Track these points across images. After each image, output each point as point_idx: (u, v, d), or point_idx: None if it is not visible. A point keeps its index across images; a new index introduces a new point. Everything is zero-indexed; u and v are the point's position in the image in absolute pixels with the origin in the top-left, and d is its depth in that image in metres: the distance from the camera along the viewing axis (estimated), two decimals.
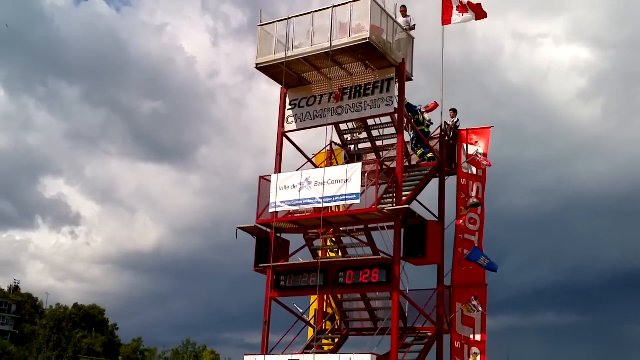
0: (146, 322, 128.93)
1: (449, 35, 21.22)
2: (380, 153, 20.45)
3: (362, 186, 18.14)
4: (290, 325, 20.78)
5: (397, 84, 19.20)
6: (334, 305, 21.52)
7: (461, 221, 19.95)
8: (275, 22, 19.96)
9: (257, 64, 19.97)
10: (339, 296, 21.04)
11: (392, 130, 19.78)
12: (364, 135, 20.79)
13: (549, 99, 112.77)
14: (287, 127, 20.54)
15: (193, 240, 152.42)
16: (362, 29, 18.24)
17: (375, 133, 20.57)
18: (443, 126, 20.82)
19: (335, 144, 21.88)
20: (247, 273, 20.33)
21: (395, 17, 19.64)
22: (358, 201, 18.14)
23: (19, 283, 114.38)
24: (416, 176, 20.57)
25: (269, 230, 19.84)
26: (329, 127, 20.31)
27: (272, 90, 20.71)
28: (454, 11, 20.77)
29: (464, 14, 20.67)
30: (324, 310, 21.90)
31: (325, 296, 21.26)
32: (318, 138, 21.20)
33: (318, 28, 18.97)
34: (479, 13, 20.61)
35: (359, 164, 18.54)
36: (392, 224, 18.49)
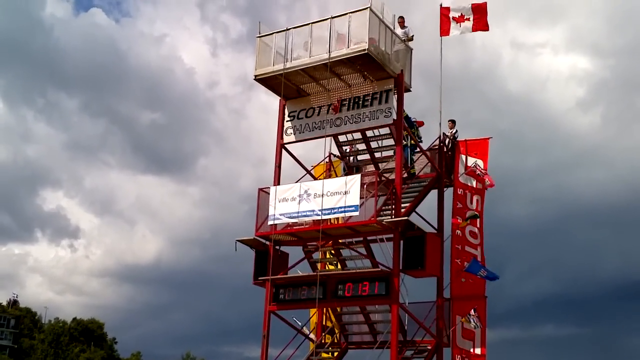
0: (145, 334, 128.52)
1: (448, 44, 21.26)
2: (379, 164, 20.38)
3: (361, 198, 18.06)
4: (289, 339, 20.66)
5: (396, 95, 19.15)
6: (333, 318, 21.39)
7: (458, 232, 19.84)
8: (273, 33, 19.93)
9: (255, 76, 19.94)
10: (338, 309, 20.90)
11: (391, 141, 19.70)
12: (363, 146, 20.72)
13: (548, 108, 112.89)
14: (286, 139, 20.48)
15: (192, 251, 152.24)
16: (360, 40, 18.20)
17: (373, 144, 20.50)
18: (441, 137, 20.76)
19: (334, 155, 21.82)
20: (247, 284, 20.27)
21: (394, 28, 19.62)
22: (357, 213, 18.05)
23: (17, 297, 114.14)
24: (415, 188, 20.50)
25: (268, 242, 19.73)
26: (328, 138, 20.24)
27: (272, 100, 20.73)
28: (452, 22, 20.80)
29: (461, 23, 20.65)
30: (324, 323, 21.76)
31: (325, 309, 21.11)
32: (317, 149, 21.17)
33: (316, 39, 18.95)
34: (480, 22, 20.58)
35: (358, 176, 18.47)
36: (391, 236, 18.39)
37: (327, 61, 18.53)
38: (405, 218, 18.16)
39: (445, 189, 20.61)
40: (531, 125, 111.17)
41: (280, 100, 20.67)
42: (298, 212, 18.82)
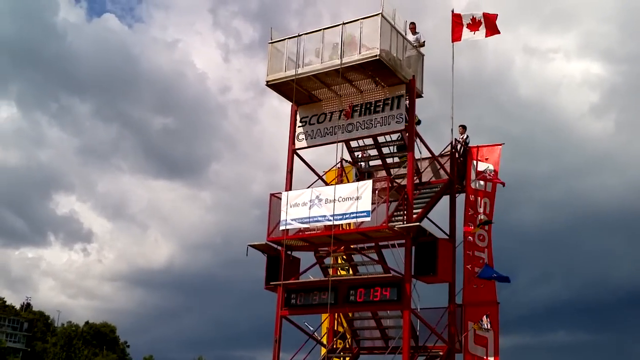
0: (157, 338, 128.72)
1: (460, 50, 21.23)
2: (391, 170, 20.39)
3: (372, 204, 18.09)
4: (301, 344, 20.68)
5: (407, 101, 19.16)
6: (344, 323, 21.39)
7: (470, 238, 19.82)
8: (285, 39, 20.00)
9: (267, 81, 20.01)
10: (350, 314, 20.91)
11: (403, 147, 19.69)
12: (375, 152, 20.74)
13: (560, 114, 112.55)
14: (297, 145, 20.53)
15: (204, 256, 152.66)
16: (372, 46, 18.23)
17: (385, 150, 20.51)
18: (453, 143, 20.75)
19: (346, 161, 21.84)
20: (258, 289, 20.32)
21: (405, 34, 19.64)
22: (369, 219, 18.06)
23: (30, 300, 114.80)
24: (427, 194, 20.50)
25: (279, 248, 19.78)
26: (340, 144, 20.27)
27: (284, 105, 20.80)
28: (464, 29, 20.80)
29: (475, 31, 20.66)
30: (335, 328, 21.76)
31: (336, 314, 21.12)
32: (328, 155, 21.21)
33: (328, 45, 19.01)
34: (491, 29, 20.59)
35: (370, 182, 18.49)
36: (403, 241, 18.38)
37: (339, 67, 18.57)
38: (417, 224, 18.16)
39: (457, 194, 20.58)
40: (543, 131, 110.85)
41: (292, 105, 20.74)
42: (310, 218, 18.86)
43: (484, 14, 20.70)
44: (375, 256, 19.64)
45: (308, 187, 19.72)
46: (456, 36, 20.90)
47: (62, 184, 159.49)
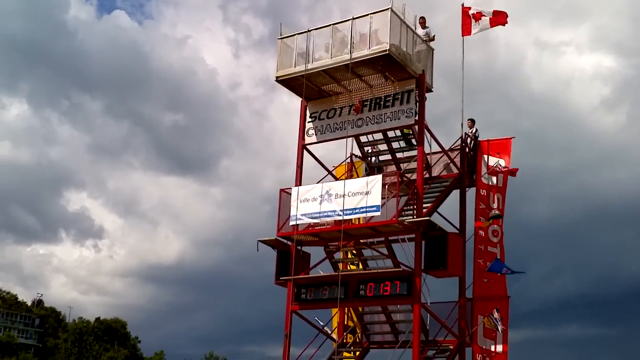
0: (168, 334, 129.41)
1: (472, 44, 21.24)
2: (401, 165, 20.40)
3: (382, 198, 18.10)
4: (311, 338, 20.74)
5: (417, 96, 19.16)
6: (355, 318, 21.44)
7: (481, 232, 19.81)
8: (295, 34, 20.02)
9: (277, 77, 20.04)
10: (360, 309, 20.94)
11: (412, 141, 19.69)
12: (384, 147, 20.75)
13: (572, 107, 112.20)
14: (307, 140, 20.57)
15: (215, 252, 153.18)
16: (381, 41, 18.24)
17: (395, 145, 20.52)
18: (463, 137, 20.74)
19: (356, 156, 21.86)
20: (269, 284, 20.38)
21: (415, 29, 19.63)
22: (378, 213, 18.09)
23: (42, 297, 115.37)
24: (437, 188, 20.49)
25: (289, 243, 19.84)
26: (349, 139, 20.29)
27: (294, 101, 20.83)
28: (473, 21, 20.77)
29: (479, 21, 20.61)
30: (345, 323, 21.81)
31: (346, 309, 21.17)
32: (338, 150, 21.24)
33: (338, 40, 19.02)
34: (496, 19, 20.54)
35: (379, 176, 18.51)
36: (413, 236, 18.41)
37: (349, 62, 18.58)
38: (427, 218, 18.16)
39: (467, 189, 20.58)
40: (555, 125, 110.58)
41: (301, 101, 20.77)
42: (319, 213, 18.90)
43: (494, 11, 20.65)
44: (385, 251, 19.65)
45: (318, 182, 19.76)
46: (466, 30, 20.89)
47: (74, 181, 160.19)
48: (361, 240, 19.81)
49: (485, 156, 20.49)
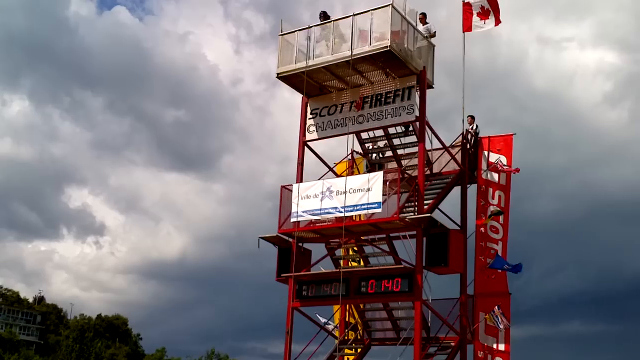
0: (170, 331, 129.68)
1: (474, 40, 21.18)
2: (402, 161, 20.36)
3: (383, 195, 18.07)
4: (312, 335, 20.74)
5: (418, 92, 19.12)
6: (356, 314, 21.43)
7: (481, 229, 19.78)
8: (295, 31, 19.97)
9: (278, 74, 20.00)
10: (361, 306, 20.95)
11: (414, 138, 19.68)
12: (385, 143, 20.71)
13: (574, 104, 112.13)
14: (308, 136, 20.53)
15: (216, 248, 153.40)
16: (382, 37, 18.20)
17: (396, 141, 20.49)
18: (464, 133, 20.70)
19: (357, 152, 21.83)
20: (270, 281, 20.38)
21: (416, 25, 19.57)
22: (380, 210, 18.06)
23: (43, 294, 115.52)
24: (438, 184, 20.46)
25: (290, 239, 19.82)
26: (350, 135, 20.26)
27: (295, 97, 20.77)
28: (474, 18, 20.72)
29: (485, 20, 20.60)
30: (347, 319, 21.81)
31: (348, 306, 21.16)
32: (339, 147, 21.21)
33: (339, 36, 18.98)
34: (498, 17, 20.56)
35: (380, 173, 18.47)
36: (414, 232, 18.39)
37: (350, 58, 18.54)
38: (429, 215, 18.14)
39: (468, 185, 20.55)
40: (557, 121, 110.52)
41: (302, 97, 20.74)
42: (321, 209, 18.87)
43: (494, 6, 20.61)
44: (386, 247, 19.64)
45: (319, 179, 19.73)
46: (467, 26, 20.84)
47: (75, 177, 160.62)
48: (362, 237, 19.79)
49: (487, 152, 20.46)
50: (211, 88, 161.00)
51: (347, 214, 18.48)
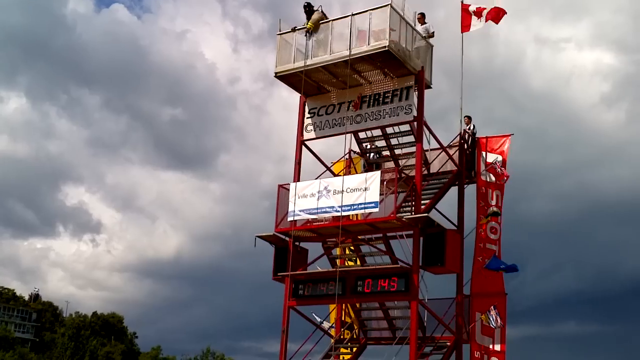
0: (165, 329, 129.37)
1: (471, 40, 21.22)
2: (399, 161, 20.39)
3: (380, 194, 18.11)
4: (308, 334, 20.77)
5: (416, 92, 19.15)
6: (352, 314, 21.45)
7: (481, 230, 19.83)
8: (294, 30, 19.97)
9: (276, 73, 20.01)
10: (358, 305, 20.96)
11: (411, 138, 19.70)
12: (383, 143, 20.73)
13: (571, 104, 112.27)
14: (306, 136, 20.55)
15: (213, 247, 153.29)
16: (381, 37, 18.21)
17: (393, 141, 20.51)
18: (462, 134, 20.74)
19: (354, 152, 21.85)
20: (267, 280, 20.40)
21: (414, 25, 19.60)
22: (377, 210, 18.08)
23: (39, 291, 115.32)
24: (435, 184, 20.50)
25: (287, 238, 19.83)
26: (348, 135, 20.28)
27: (293, 96, 20.78)
28: (473, 17, 20.74)
29: (480, 18, 20.60)
30: (343, 319, 21.83)
31: (344, 305, 21.18)
32: (337, 146, 21.22)
33: (337, 36, 18.99)
34: (495, 15, 20.52)
35: (378, 173, 18.51)
36: (411, 232, 18.42)
37: (348, 58, 18.56)
38: (426, 215, 18.18)
39: (465, 185, 20.59)
40: (554, 122, 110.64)
41: (300, 97, 20.75)
42: (318, 209, 18.90)
43: (493, 8, 20.62)
44: (383, 247, 19.67)
45: (316, 178, 19.75)
46: (465, 25, 20.86)
47: (72, 175, 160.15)
48: (359, 237, 19.81)
49: (484, 153, 20.50)
50: (208, 86, 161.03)
51: (344, 214, 18.51)
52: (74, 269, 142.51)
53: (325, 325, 21.90)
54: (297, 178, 20.15)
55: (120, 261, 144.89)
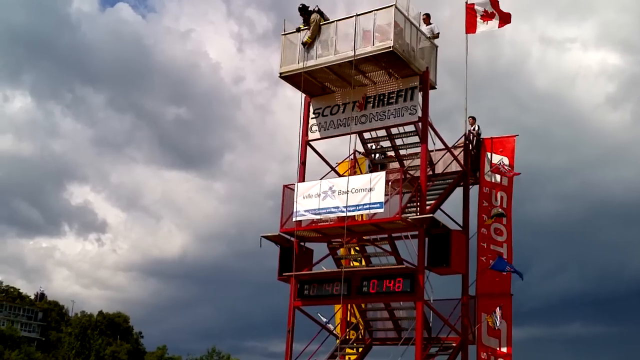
0: (171, 329, 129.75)
1: (476, 40, 21.14)
2: (404, 162, 20.36)
3: (385, 195, 18.07)
4: (314, 334, 20.75)
5: (421, 93, 19.12)
6: (357, 314, 21.44)
7: (483, 230, 19.78)
8: (298, 30, 19.94)
9: (280, 73, 19.99)
10: (363, 305, 20.95)
11: (416, 138, 19.67)
12: (388, 143, 20.71)
13: (576, 104, 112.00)
14: (310, 136, 20.53)
15: (217, 246, 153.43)
16: (385, 38, 18.19)
17: (398, 142, 20.49)
18: (467, 134, 20.70)
19: (359, 152, 21.83)
20: (272, 280, 20.39)
21: (419, 25, 19.57)
22: (382, 210, 18.07)
23: (44, 291, 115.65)
24: (440, 185, 20.47)
25: (292, 239, 19.83)
26: (353, 135, 20.25)
27: (297, 96, 20.70)
28: (478, 20, 20.71)
29: (489, 22, 20.58)
30: (348, 319, 21.82)
31: (349, 305, 21.17)
32: (342, 146, 21.20)
33: (342, 36, 18.96)
34: (504, 19, 20.54)
35: (383, 173, 18.48)
36: (416, 233, 18.40)
37: (352, 59, 18.53)
38: (431, 215, 18.15)
39: (470, 186, 20.55)
40: (559, 122, 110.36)
41: (304, 97, 20.72)
42: (323, 209, 18.89)
43: (500, 13, 20.60)
44: (388, 247, 19.65)
45: (321, 179, 19.73)
46: (470, 28, 20.82)
47: (76, 174, 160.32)
48: (364, 237, 19.79)
49: (489, 154, 20.45)
50: (213, 86, 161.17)
51: (349, 214, 18.49)
52: (79, 268, 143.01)
53: (331, 325, 21.88)
54: (302, 178, 20.13)
55: (125, 260, 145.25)
